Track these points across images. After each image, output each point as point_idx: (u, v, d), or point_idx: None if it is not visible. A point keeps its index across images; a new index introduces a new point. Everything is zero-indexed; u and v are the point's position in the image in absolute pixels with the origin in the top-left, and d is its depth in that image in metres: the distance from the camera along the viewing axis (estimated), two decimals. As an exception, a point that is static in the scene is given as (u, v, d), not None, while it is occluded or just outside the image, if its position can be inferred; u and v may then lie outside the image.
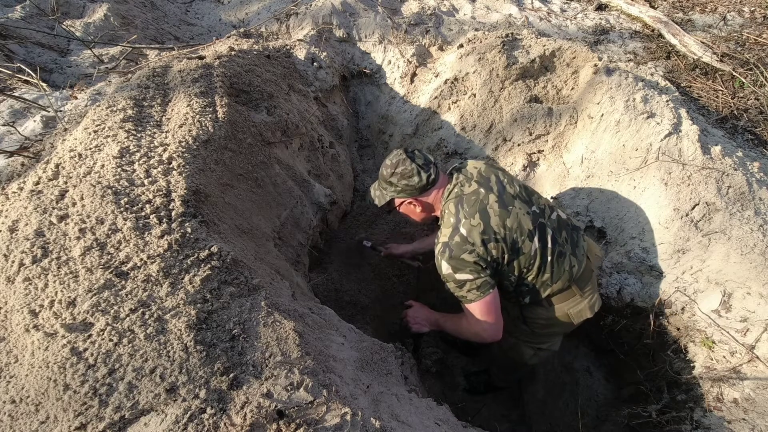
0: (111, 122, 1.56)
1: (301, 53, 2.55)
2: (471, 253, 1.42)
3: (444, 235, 1.48)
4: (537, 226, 1.50)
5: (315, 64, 2.58)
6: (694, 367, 1.78)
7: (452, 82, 2.54)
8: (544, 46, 2.41)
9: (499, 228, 1.44)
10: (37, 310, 1.07)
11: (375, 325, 2.16)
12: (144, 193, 1.31)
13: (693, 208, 1.82)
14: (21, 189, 1.34)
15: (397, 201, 1.62)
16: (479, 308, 1.48)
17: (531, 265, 1.51)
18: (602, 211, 2.11)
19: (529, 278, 1.53)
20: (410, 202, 1.60)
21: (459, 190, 1.52)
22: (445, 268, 1.46)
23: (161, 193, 1.32)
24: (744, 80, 2.86)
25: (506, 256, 1.47)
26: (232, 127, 1.70)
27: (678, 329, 1.86)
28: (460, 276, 1.44)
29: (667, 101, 2.12)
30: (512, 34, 2.54)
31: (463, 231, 1.44)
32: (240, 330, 1.08)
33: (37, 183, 1.34)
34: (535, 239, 1.49)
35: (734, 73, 2.90)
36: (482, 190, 1.50)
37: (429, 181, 1.52)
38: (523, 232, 1.47)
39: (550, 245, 1.51)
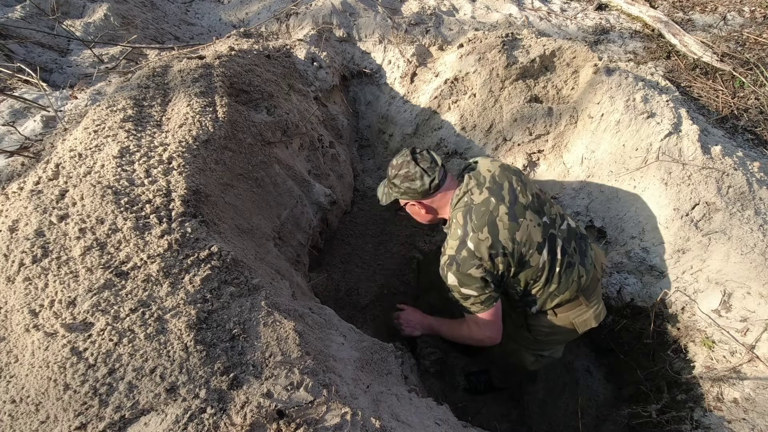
0: (111, 122, 1.56)
1: (301, 53, 2.55)
2: (478, 267, 1.40)
3: (451, 247, 1.46)
4: (547, 237, 1.47)
5: (315, 63, 2.58)
6: (694, 367, 1.78)
7: (452, 82, 2.54)
8: (544, 45, 2.41)
9: (507, 242, 1.41)
10: (37, 310, 1.07)
11: (375, 325, 2.16)
12: (144, 193, 1.31)
13: (693, 208, 1.82)
14: (21, 189, 1.34)
15: (402, 201, 1.59)
16: (482, 319, 1.48)
17: (538, 277, 1.49)
18: (602, 210, 2.11)
19: (535, 290, 1.52)
20: (414, 204, 1.57)
21: (469, 199, 1.47)
22: (451, 279, 1.45)
23: (161, 193, 1.32)
24: (744, 80, 2.86)
25: (512, 269, 1.45)
26: (232, 126, 1.70)
27: (678, 329, 1.86)
28: (465, 290, 1.44)
29: (667, 101, 2.12)
30: (512, 33, 2.54)
31: (470, 245, 1.41)
32: (240, 330, 1.08)
33: (37, 183, 1.34)
34: (544, 252, 1.46)
35: (734, 73, 2.90)
36: (493, 199, 1.45)
37: (432, 186, 1.48)
38: (532, 246, 1.44)
39: (559, 256, 1.49)
